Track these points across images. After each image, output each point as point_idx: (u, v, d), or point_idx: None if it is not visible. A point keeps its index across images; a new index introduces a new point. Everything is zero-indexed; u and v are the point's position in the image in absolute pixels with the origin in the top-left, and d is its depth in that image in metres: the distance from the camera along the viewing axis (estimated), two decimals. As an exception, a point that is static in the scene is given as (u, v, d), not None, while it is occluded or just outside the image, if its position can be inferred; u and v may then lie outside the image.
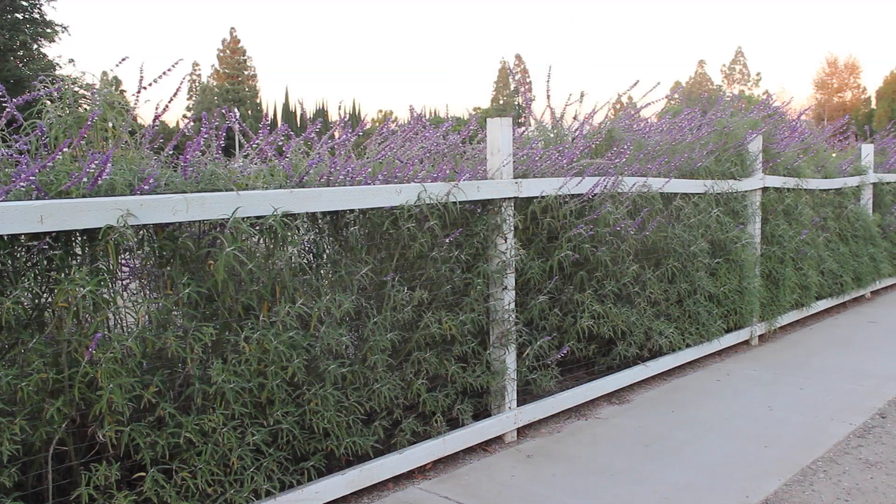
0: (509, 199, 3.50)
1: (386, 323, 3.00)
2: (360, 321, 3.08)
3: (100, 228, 2.24)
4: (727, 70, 71.98)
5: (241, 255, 2.50)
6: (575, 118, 4.60)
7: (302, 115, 3.87)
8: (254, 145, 2.99)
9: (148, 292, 2.70)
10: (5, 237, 2.18)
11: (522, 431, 3.67)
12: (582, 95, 4.62)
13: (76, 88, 2.75)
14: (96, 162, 2.33)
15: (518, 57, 65.84)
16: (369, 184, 3.08)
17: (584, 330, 3.89)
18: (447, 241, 3.29)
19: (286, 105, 53.33)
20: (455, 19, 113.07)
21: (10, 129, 2.57)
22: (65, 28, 28.92)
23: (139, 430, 2.33)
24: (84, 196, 2.29)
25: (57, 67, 27.21)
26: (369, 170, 3.18)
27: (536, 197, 3.69)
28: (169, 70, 2.79)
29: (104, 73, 2.85)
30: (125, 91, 3.35)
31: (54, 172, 2.31)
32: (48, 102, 2.67)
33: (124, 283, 2.65)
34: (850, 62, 61.14)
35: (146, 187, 2.43)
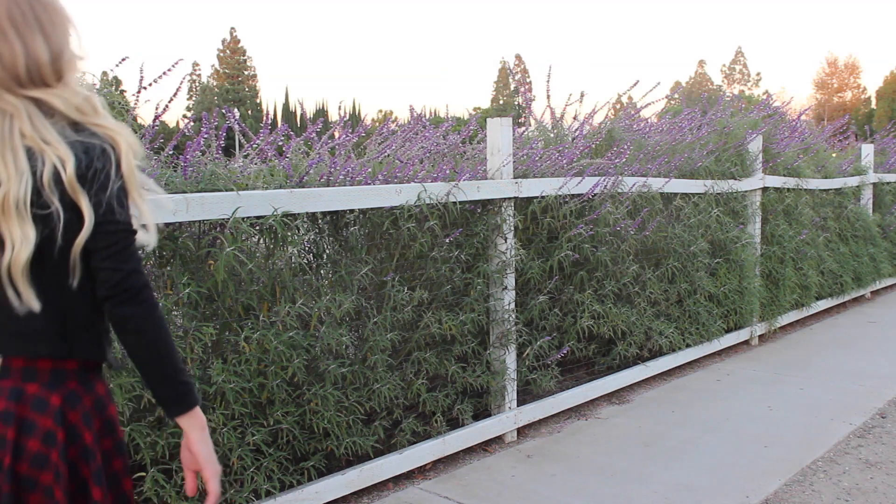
0: (509, 199, 3.50)
1: (386, 323, 3.00)
2: (360, 321, 3.08)
3: (100, 228, 2.24)
4: (727, 70, 71.99)
5: (241, 255, 2.50)
6: (575, 118, 4.60)
7: (302, 115, 3.87)
8: (254, 145, 2.99)
9: (148, 292, 2.69)
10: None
11: (522, 431, 3.67)
12: (582, 95, 4.62)
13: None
14: (96, 162, 2.32)
15: (518, 57, 65.84)
16: (369, 184, 3.08)
17: (584, 330, 3.89)
18: (447, 241, 3.29)
19: (286, 105, 53.35)
20: (454, 20, 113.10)
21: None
22: (65, 28, 28.90)
23: (139, 430, 2.33)
24: (84, 196, 2.28)
25: (57, 67, 27.17)
26: (369, 170, 3.18)
27: (536, 197, 3.69)
28: (169, 70, 2.79)
29: (104, 73, 2.85)
30: (125, 91, 3.34)
31: (54, 172, 2.31)
32: (48, 102, 2.66)
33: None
34: (850, 62, 61.14)
35: (146, 187, 2.43)
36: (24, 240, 1.17)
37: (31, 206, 1.17)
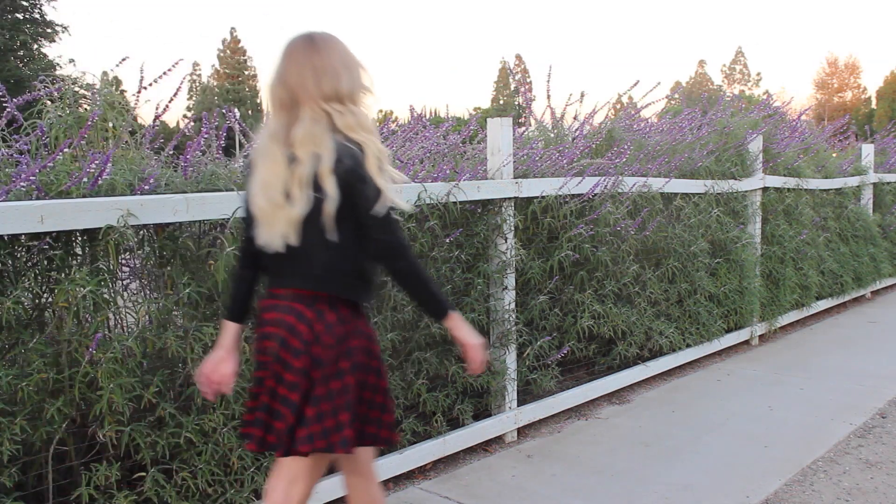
0: (509, 199, 3.50)
1: (386, 323, 3.00)
2: (360, 321, 3.07)
3: (100, 228, 2.24)
4: (727, 70, 71.93)
5: (242, 255, 2.49)
6: (575, 118, 4.60)
7: (302, 115, 3.85)
8: (254, 145, 2.98)
9: (148, 292, 2.70)
10: (6, 237, 2.18)
11: (523, 431, 3.67)
12: (582, 95, 4.62)
13: (76, 88, 2.75)
14: (97, 162, 2.33)
15: (518, 57, 65.79)
16: (369, 184, 3.07)
17: (585, 330, 3.89)
18: (447, 241, 3.29)
19: (286, 105, 53.20)
20: (455, 19, 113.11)
21: (11, 129, 2.57)
22: (65, 28, 28.89)
23: (139, 430, 2.33)
24: (84, 196, 2.29)
25: (57, 67, 27.16)
26: (369, 170, 3.17)
27: (537, 197, 3.69)
28: (169, 70, 2.78)
29: (104, 73, 2.84)
30: (125, 91, 3.34)
31: (55, 172, 2.31)
32: (48, 102, 2.66)
33: (124, 283, 2.64)
34: (851, 62, 61.11)
35: (146, 187, 2.43)
36: (301, 202, 1.75)
37: (309, 183, 1.74)
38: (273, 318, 1.84)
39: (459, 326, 1.92)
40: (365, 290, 1.90)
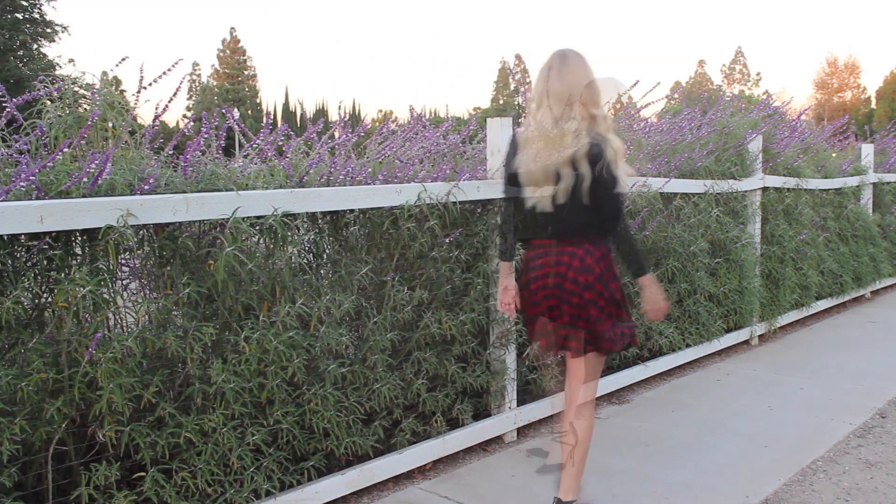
0: (509, 199, 3.50)
1: (386, 323, 3.00)
2: (360, 321, 3.08)
3: (100, 228, 2.24)
4: (727, 70, 71.93)
5: (241, 255, 2.50)
6: (575, 118, 4.59)
7: (302, 115, 3.86)
8: (254, 145, 2.99)
9: (148, 292, 2.70)
10: (5, 237, 2.18)
11: (522, 431, 3.67)
12: (582, 95, 4.61)
13: (76, 88, 2.75)
14: (96, 162, 2.33)
15: (518, 57, 65.75)
16: (369, 184, 3.08)
17: (584, 330, 3.89)
18: (447, 240, 3.29)
19: (286, 105, 53.23)
20: (455, 19, 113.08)
21: (10, 129, 2.57)
22: (65, 28, 28.92)
23: (139, 430, 2.33)
24: (84, 196, 2.29)
25: (57, 67, 27.17)
26: (369, 170, 3.17)
27: (536, 197, 3.68)
28: (169, 70, 2.78)
29: (104, 73, 2.85)
30: (125, 91, 3.34)
31: (54, 172, 2.31)
32: (48, 102, 2.67)
33: (124, 283, 2.64)
34: (850, 62, 61.08)
35: (146, 187, 2.43)
36: (568, 177, 2.40)
37: (571, 162, 2.40)
38: (549, 262, 2.49)
39: (651, 286, 2.53)
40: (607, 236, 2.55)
